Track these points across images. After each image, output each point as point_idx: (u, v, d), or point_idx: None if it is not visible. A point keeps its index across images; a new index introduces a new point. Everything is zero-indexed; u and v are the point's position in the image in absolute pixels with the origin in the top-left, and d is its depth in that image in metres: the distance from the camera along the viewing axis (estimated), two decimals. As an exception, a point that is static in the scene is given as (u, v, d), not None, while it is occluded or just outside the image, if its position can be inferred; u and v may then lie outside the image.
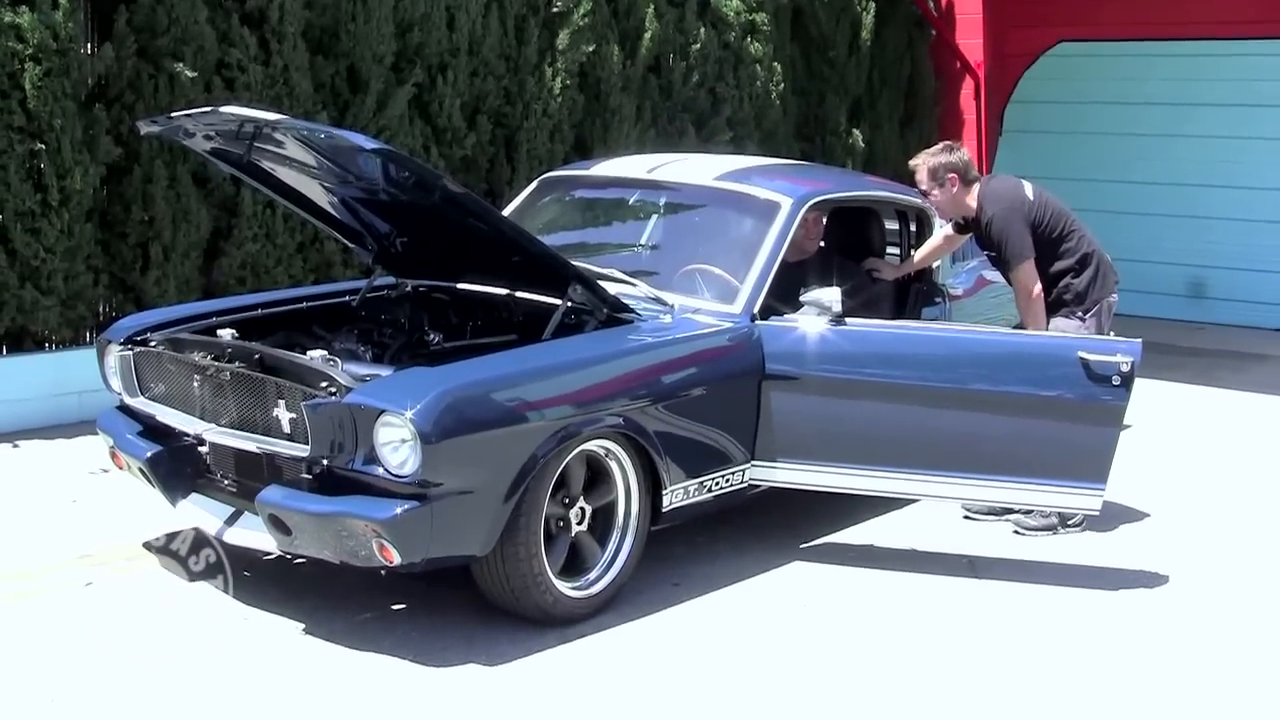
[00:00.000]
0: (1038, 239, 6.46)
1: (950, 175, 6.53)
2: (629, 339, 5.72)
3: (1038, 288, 6.43)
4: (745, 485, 5.93)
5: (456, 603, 5.36)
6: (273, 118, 5.32)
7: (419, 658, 4.93)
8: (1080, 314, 6.52)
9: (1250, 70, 12.17)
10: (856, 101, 12.80)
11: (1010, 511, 6.52)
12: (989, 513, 6.56)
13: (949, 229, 6.97)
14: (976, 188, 6.58)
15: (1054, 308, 6.55)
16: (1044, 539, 6.40)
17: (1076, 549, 6.31)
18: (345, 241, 6.66)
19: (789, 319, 5.99)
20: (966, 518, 6.62)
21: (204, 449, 5.47)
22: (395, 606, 5.42)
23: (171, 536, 5.87)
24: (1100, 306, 6.56)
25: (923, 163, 6.61)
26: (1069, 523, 6.42)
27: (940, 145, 6.73)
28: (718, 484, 5.78)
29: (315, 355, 5.28)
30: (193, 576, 5.59)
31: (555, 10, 10.00)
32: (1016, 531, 6.43)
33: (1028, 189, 6.59)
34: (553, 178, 7.45)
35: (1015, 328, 6.76)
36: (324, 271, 8.90)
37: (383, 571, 5.10)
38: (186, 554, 5.77)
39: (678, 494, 5.59)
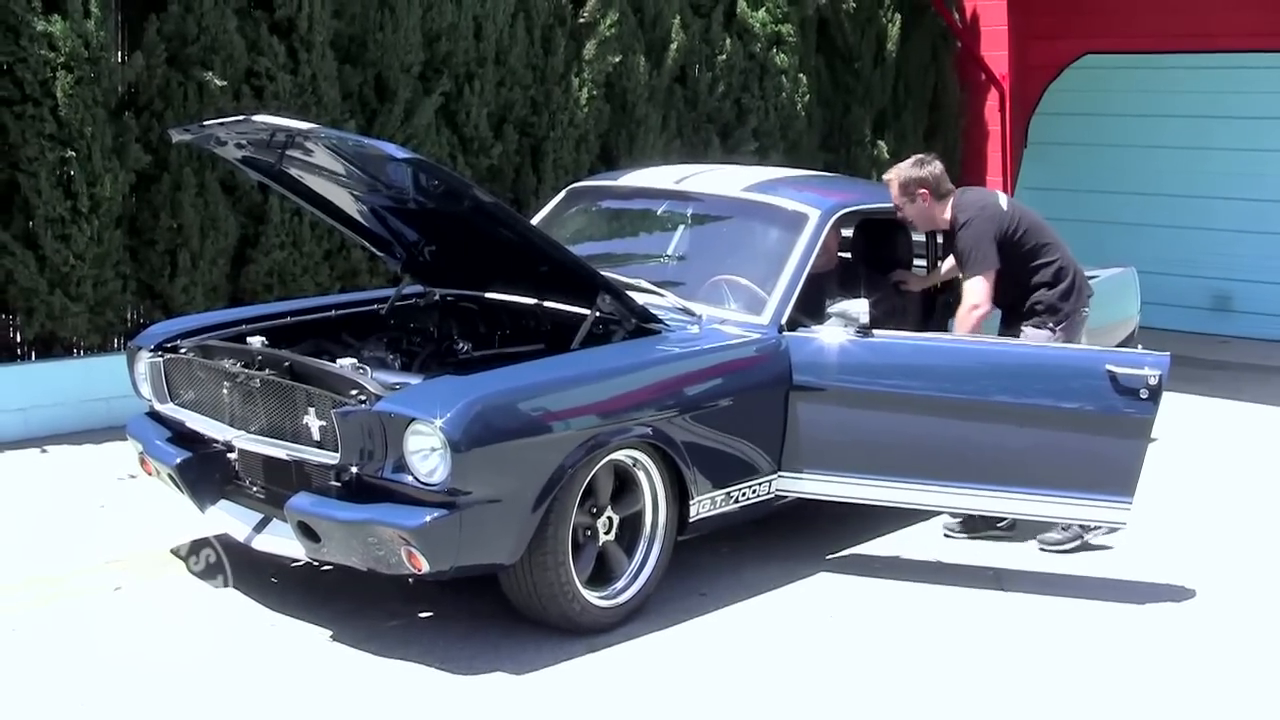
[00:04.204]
0: (1011, 250, 6.38)
1: (921, 191, 6.46)
2: (657, 349, 5.72)
3: (986, 306, 6.31)
4: (772, 496, 5.93)
5: (484, 611, 5.37)
6: (305, 127, 5.35)
7: (446, 665, 4.95)
8: (1051, 325, 6.45)
9: (1276, 82, 12.14)
10: (881, 113, 12.81)
11: (992, 525, 6.52)
12: (971, 530, 6.56)
13: None
14: (951, 200, 6.52)
15: (1025, 317, 6.50)
16: (1071, 551, 6.37)
17: (1103, 563, 6.30)
18: (374, 250, 6.69)
19: (816, 330, 5.99)
20: (947, 537, 6.60)
21: (233, 456, 5.49)
22: (423, 614, 5.44)
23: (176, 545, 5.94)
24: (1071, 320, 6.52)
25: (894, 177, 6.55)
26: (1090, 530, 6.39)
27: (912, 159, 6.64)
28: (744, 494, 5.79)
29: (345, 363, 5.29)
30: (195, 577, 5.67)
31: (582, 21, 10.03)
32: (1042, 548, 6.40)
33: (1002, 200, 6.56)
34: (580, 188, 7.47)
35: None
36: (350, 279, 8.94)
37: (411, 579, 5.12)
38: (186, 555, 5.84)
39: (705, 504, 5.60)
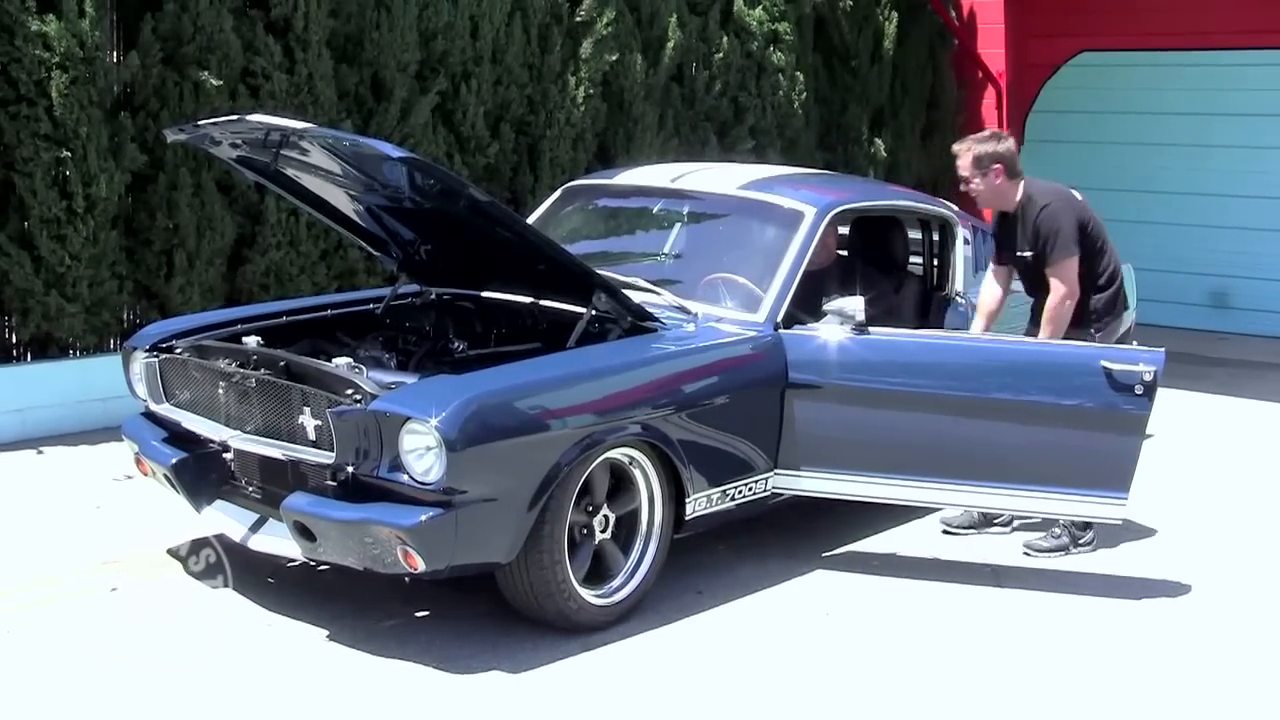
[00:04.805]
0: (1082, 244, 6.26)
1: (996, 166, 6.27)
2: (653, 348, 5.72)
3: (1076, 293, 6.21)
4: (768, 494, 5.93)
5: (480, 610, 5.37)
6: (300, 126, 5.35)
7: (442, 664, 4.95)
8: (1093, 330, 6.36)
9: (1273, 80, 12.15)
10: (879, 111, 12.79)
11: (990, 522, 6.51)
12: (969, 526, 6.54)
13: (993, 270, 6.65)
14: (1022, 182, 6.36)
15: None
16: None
17: (1100, 559, 6.29)
18: (370, 249, 6.68)
19: (812, 328, 5.99)
20: (946, 532, 6.57)
21: (229, 456, 5.49)
22: (419, 614, 5.43)
23: (176, 545, 5.92)
24: (1111, 327, 6.43)
25: (967, 149, 6.34)
26: (1080, 542, 6.34)
27: (987, 133, 6.49)
28: (740, 492, 5.79)
29: (340, 362, 5.29)
30: (193, 578, 5.65)
31: (579, 19, 10.02)
32: (1026, 553, 6.34)
33: (1075, 192, 6.44)
34: (576, 186, 7.46)
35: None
36: (347, 279, 8.93)
37: (407, 579, 5.11)
38: (186, 555, 5.82)
39: (701, 502, 5.59)
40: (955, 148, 6.48)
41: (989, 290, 6.67)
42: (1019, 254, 6.43)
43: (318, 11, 8.55)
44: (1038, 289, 6.43)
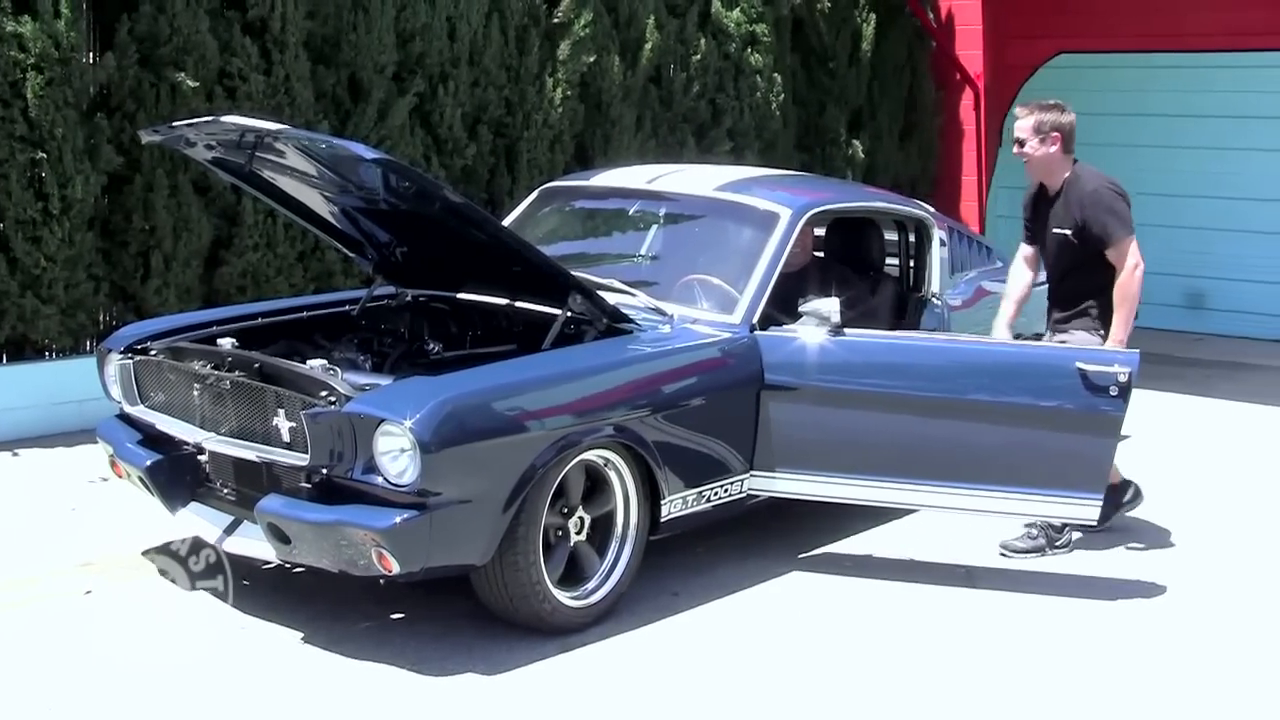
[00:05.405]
0: None
1: (1054, 134, 6.23)
2: (628, 349, 5.73)
3: (1143, 263, 6.13)
4: (744, 495, 5.93)
5: (455, 612, 5.36)
6: (274, 128, 5.34)
7: (418, 667, 4.94)
8: (1101, 331, 6.29)
9: (1249, 82, 12.20)
10: (856, 112, 12.82)
11: (1052, 544, 6.41)
12: (1029, 551, 6.40)
13: (1023, 254, 6.62)
14: (1074, 162, 6.31)
15: (1080, 314, 6.32)
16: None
17: (1074, 560, 6.31)
18: (345, 251, 6.68)
19: (788, 329, 6.00)
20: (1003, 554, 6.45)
21: (203, 458, 5.48)
22: (394, 616, 5.43)
23: (172, 542, 5.88)
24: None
25: (1029, 112, 6.29)
26: (1056, 544, 6.36)
27: (1052, 101, 6.39)
28: (716, 494, 5.79)
29: (315, 364, 5.28)
30: (192, 578, 5.59)
31: (556, 21, 10.02)
32: (1003, 554, 6.36)
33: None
34: (553, 188, 7.46)
35: (1014, 338, 6.74)
36: (324, 281, 8.91)
37: (382, 581, 5.10)
38: (186, 555, 5.75)
39: (676, 504, 5.60)
40: (1018, 109, 6.43)
41: (1018, 276, 6.64)
42: (1056, 230, 6.34)
43: (295, 13, 8.54)
44: (1069, 272, 6.36)
